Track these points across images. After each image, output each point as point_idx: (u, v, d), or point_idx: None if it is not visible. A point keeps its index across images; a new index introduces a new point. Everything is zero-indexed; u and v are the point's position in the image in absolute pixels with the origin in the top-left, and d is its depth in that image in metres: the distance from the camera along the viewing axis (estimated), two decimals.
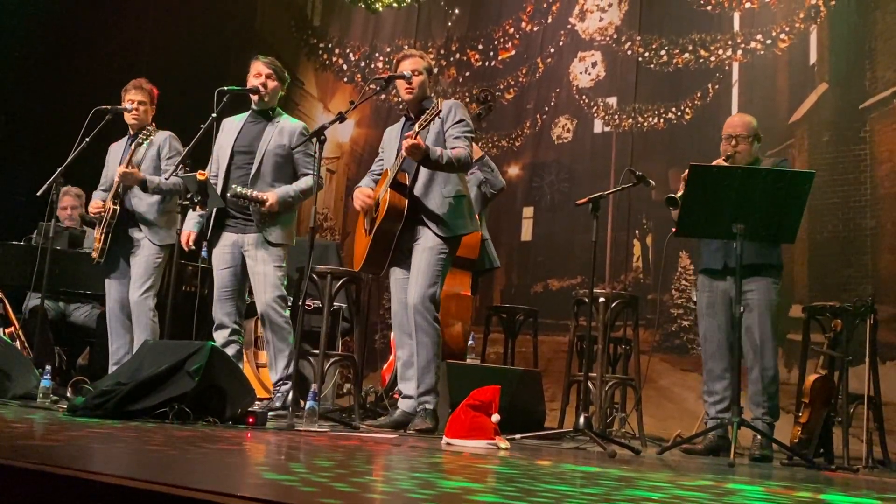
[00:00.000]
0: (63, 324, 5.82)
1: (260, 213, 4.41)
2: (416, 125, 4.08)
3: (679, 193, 4.21)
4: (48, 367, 4.20)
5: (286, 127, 4.57)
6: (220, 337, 4.50)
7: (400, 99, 8.19)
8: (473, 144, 4.44)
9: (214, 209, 4.48)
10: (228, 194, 4.40)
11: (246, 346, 5.11)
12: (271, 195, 4.38)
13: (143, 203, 4.87)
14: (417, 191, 4.22)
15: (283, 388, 4.37)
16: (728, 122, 4.57)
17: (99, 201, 4.96)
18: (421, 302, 4.13)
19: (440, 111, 4.06)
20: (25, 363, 4.40)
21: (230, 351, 4.44)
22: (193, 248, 4.60)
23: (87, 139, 4.84)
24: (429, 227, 4.20)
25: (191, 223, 4.57)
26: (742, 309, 4.00)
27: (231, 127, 4.64)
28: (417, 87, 4.30)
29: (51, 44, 7.92)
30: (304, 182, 4.49)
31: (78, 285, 5.64)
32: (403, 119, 4.48)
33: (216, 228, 4.54)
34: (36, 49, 7.87)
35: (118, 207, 4.82)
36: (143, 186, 4.83)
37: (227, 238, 4.53)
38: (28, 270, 5.25)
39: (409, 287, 4.21)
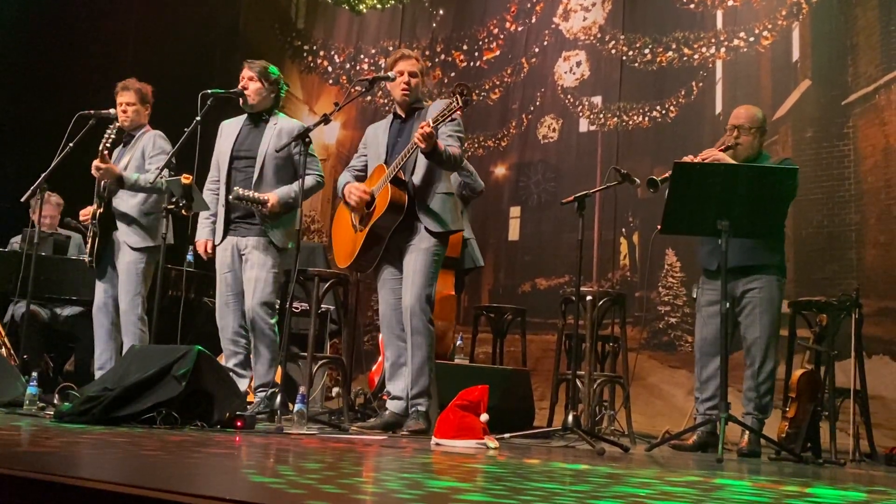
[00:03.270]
0: (49, 330, 5.79)
1: (262, 215, 4.40)
2: (431, 119, 4.03)
3: (661, 177, 4.22)
4: (34, 374, 4.17)
5: (284, 128, 4.52)
6: (224, 345, 4.48)
7: (386, 100, 8.27)
8: None
9: (222, 213, 4.48)
10: (230, 197, 4.37)
11: None
12: (272, 196, 4.37)
13: (125, 203, 4.79)
14: (415, 187, 4.22)
15: (262, 394, 4.35)
16: (734, 112, 4.55)
17: (89, 208, 4.91)
18: (417, 303, 4.12)
19: (459, 108, 4.01)
20: (11, 370, 4.38)
21: (234, 361, 4.42)
22: (212, 254, 4.57)
23: (71, 144, 4.80)
24: (424, 224, 4.19)
25: (205, 231, 4.57)
26: (727, 305, 4.02)
27: (229, 131, 4.63)
28: (413, 90, 4.31)
29: (33, 47, 7.87)
30: (305, 182, 4.28)
31: (63, 291, 5.61)
32: (391, 117, 4.45)
33: (221, 232, 4.53)
34: (18, 52, 7.82)
35: (101, 209, 4.77)
36: (120, 183, 4.73)
37: (229, 241, 4.52)
38: (13, 277, 5.22)
39: (404, 288, 4.19)
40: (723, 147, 4.39)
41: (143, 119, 4.97)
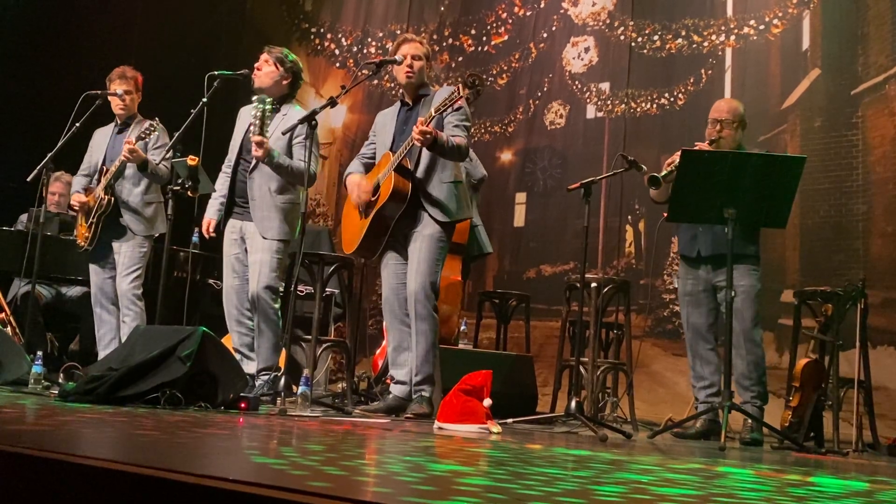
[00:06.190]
0: (52, 310, 5.81)
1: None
2: (433, 109, 4.02)
3: (662, 173, 4.22)
4: (39, 353, 4.19)
5: (291, 117, 4.46)
6: (230, 327, 4.49)
7: (393, 84, 8.23)
8: None
9: (228, 196, 4.49)
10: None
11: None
12: (266, 143, 4.27)
13: (128, 192, 4.90)
14: (419, 175, 4.21)
15: (265, 377, 4.35)
16: (714, 106, 4.60)
17: (81, 196, 4.97)
18: (422, 290, 4.12)
19: (460, 97, 3.99)
20: (16, 349, 4.39)
21: (242, 343, 4.42)
22: (214, 235, 4.59)
23: (77, 124, 4.83)
24: (428, 213, 4.19)
25: (212, 210, 4.58)
26: (734, 294, 4.01)
27: (245, 118, 4.59)
28: (417, 73, 4.29)
29: (40, 28, 7.85)
30: (298, 165, 4.33)
31: (68, 271, 5.63)
32: (399, 104, 4.45)
33: (226, 215, 4.55)
34: (25, 33, 7.81)
35: (112, 198, 4.84)
36: (143, 166, 4.82)
37: (233, 224, 4.53)
38: (18, 256, 5.24)
39: (408, 274, 4.19)
40: (708, 142, 4.41)
41: (135, 107, 5.07)
